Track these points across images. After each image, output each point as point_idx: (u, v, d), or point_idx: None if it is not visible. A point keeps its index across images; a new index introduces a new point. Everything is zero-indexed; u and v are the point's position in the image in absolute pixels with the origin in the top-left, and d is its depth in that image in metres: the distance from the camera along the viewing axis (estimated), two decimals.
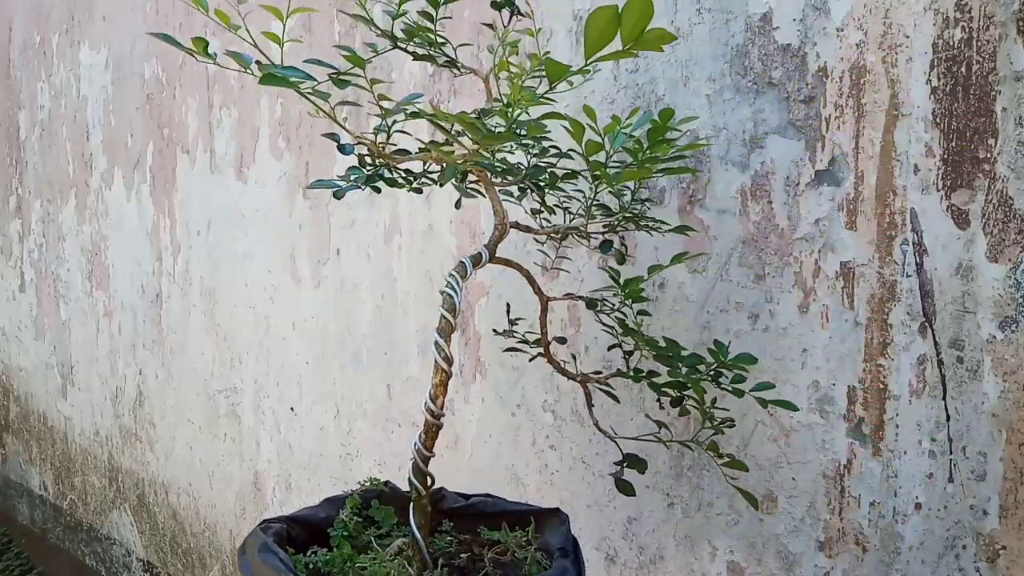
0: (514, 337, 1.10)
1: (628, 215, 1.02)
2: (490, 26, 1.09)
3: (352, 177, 0.94)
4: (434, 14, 0.96)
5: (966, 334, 0.91)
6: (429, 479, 0.81)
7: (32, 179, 3.01)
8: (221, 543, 2.16)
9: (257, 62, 0.75)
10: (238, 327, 2.04)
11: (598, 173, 0.91)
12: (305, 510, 0.86)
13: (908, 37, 0.93)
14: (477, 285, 1.46)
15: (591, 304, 1.06)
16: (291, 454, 1.90)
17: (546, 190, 1.03)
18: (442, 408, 0.80)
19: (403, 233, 1.58)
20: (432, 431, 0.80)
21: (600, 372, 1.04)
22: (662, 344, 1.01)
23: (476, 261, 0.94)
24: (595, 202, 0.99)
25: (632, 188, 1.05)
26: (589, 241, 1.07)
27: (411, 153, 0.91)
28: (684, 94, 1.13)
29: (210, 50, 0.78)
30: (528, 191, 1.06)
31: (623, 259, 1.13)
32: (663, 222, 1.03)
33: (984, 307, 0.90)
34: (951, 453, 0.93)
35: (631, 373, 1.05)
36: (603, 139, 0.85)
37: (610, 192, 1.01)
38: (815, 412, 1.03)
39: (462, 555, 0.88)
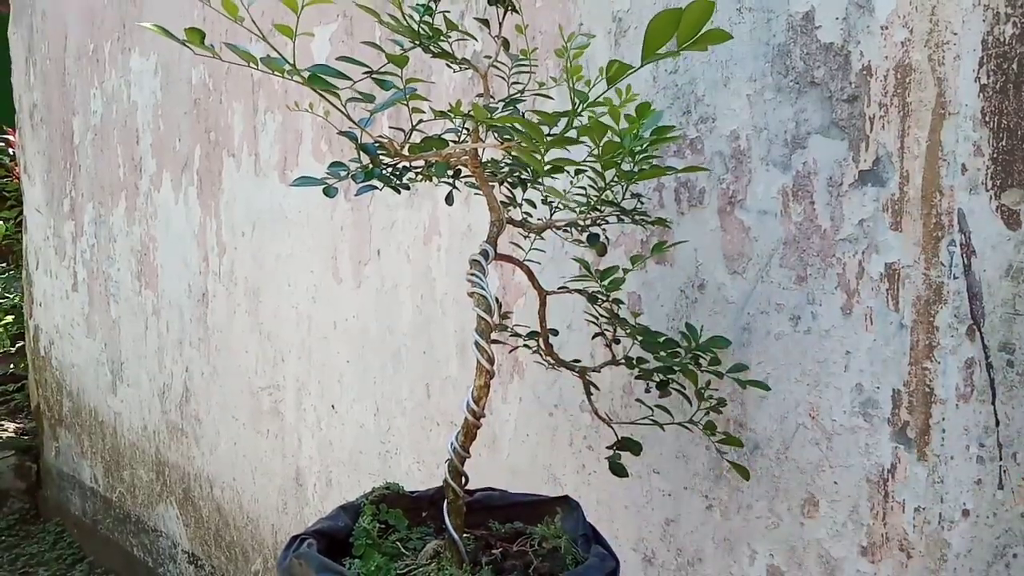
0: (506, 331, 1.11)
1: (622, 210, 1.02)
2: (484, 22, 1.10)
3: (341, 174, 0.93)
4: (434, 7, 0.96)
5: (1017, 337, 0.89)
6: (464, 479, 0.82)
7: (85, 182, 3.11)
8: (263, 537, 2.21)
9: (292, 66, 0.77)
10: (281, 326, 2.08)
11: (615, 172, 0.92)
12: (324, 521, 0.87)
13: (956, 34, 0.91)
14: (515, 286, 1.46)
15: (593, 298, 1.07)
16: (332, 451, 1.94)
17: (531, 185, 1.05)
18: (484, 409, 0.81)
19: (442, 234, 1.60)
20: (471, 432, 0.80)
21: (578, 361, 1.04)
22: (653, 332, 1.02)
23: (486, 257, 0.95)
24: (600, 198, 1.00)
25: (624, 185, 1.04)
26: (581, 234, 1.08)
27: (427, 151, 0.92)
28: (724, 95, 1.13)
29: (251, 53, 0.80)
30: (519, 186, 1.07)
31: (605, 251, 1.14)
32: (647, 216, 1.05)
33: None
34: (1001, 459, 0.91)
35: (623, 362, 1.06)
36: (622, 141, 0.86)
37: (593, 188, 1.01)
38: (859, 415, 1.02)
39: (493, 551, 0.88)
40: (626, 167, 0.92)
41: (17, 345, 4.21)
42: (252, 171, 2.14)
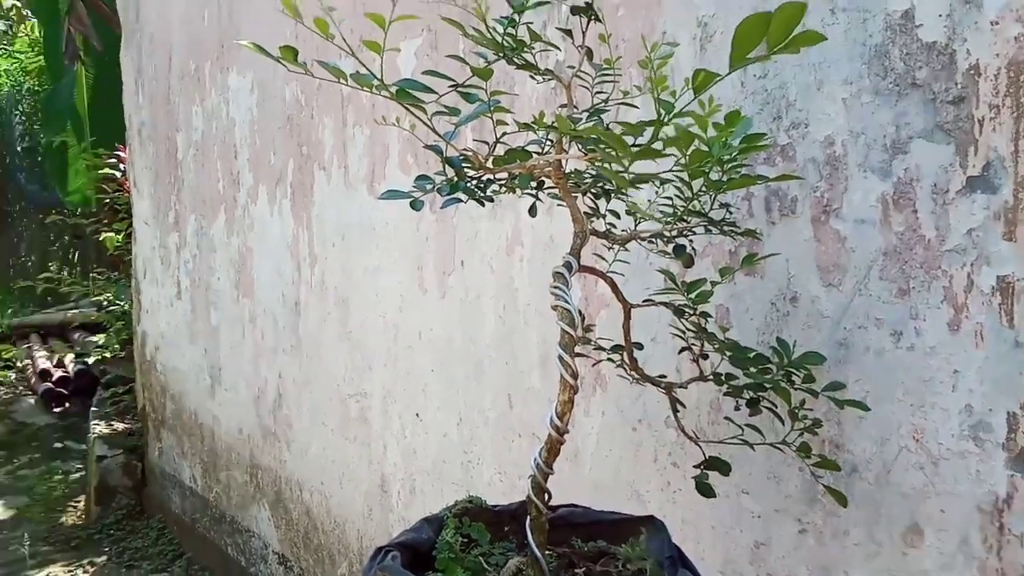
0: (589, 344, 1.09)
1: (710, 220, 0.98)
2: (567, 32, 1.09)
3: (427, 187, 0.94)
4: (517, 19, 0.95)
5: None
6: (547, 496, 0.81)
7: (188, 195, 3.28)
8: (349, 541, 2.26)
9: (379, 81, 0.78)
10: (369, 335, 2.12)
11: (703, 182, 0.89)
12: (408, 533, 0.87)
13: None
14: (598, 297, 1.45)
15: (679, 312, 1.03)
16: (415, 459, 1.96)
17: (615, 196, 1.02)
18: (568, 425, 0.79)
19: (525, 245, 1.60)
20: (555, 448, 0.79)
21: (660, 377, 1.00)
22: (743, 347, 0.98)
23: (569, 269, 0.94)
24: (687, 208, 0.97)
25: (712, 195, 1.01)
26: (667, 245, 1.05)
27: (510, 163, 0.92)
28: (818, 99, 1.08)
29: (341, 69, 0.82)
30: (603, 197, 1.05)
31: (691, 263, 1.10)
32: (736, 226, 1.00)
33: None
34: None
35: (711, 378, 1.03)
36: (711, 150, 0.83)
37: (680, 198, 0.98)
38: (968, 439, 0.95)
39: (575, 570, 0.87)
40: (714, 176, 0.89)
41: (126, 350, 4.48)
42: (342, 184, 2.21)
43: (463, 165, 0.96)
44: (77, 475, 4.52)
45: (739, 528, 1.22)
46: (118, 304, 4.45)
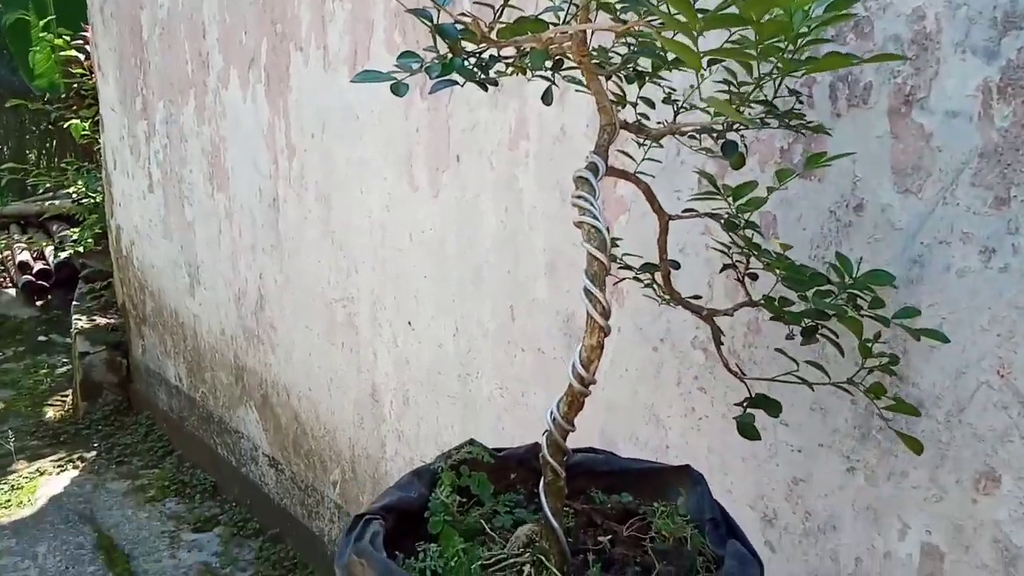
0: (615, 262, 0.92)
1: (774, 112, 0.79)
2: None
3: (413, 66, 0.73)
4: None
5: None
6: (566, 456, 0.66)
7: (155, 79, 2.99)
8: (340, 449, 2.16)
9: None
10: (354, 235, 1.94)
11: (777, 61, 0.69)
12: (394, 492, 0.73)
13: None
14: (616, 200, 1.26)
15: (732, 225, 0.86)
16: (408, 369, 1.83)
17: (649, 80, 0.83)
18: (595, 375, 0.64)
19: (531, 138, 1.40)
20: (577, 401, 0.64)
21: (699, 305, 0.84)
22: (800, 265, 0.81)
23: (595, 173, 0.75)
24: (748, 96, 0.77)
25: (777, 80, 0.81)
26: (717, 142, 0.86)
27: (521, 35, 0.72)
28: None
29: None
30: (635, 81, 0.85)
31: (743, 162, 0.90)
32: (804, 119, 0.81)
33: None
34: None
35: (763, 303, 0.86)
36: (791, 19, 0.63)
37: (732, 84, 0.79)
38: None
39: (598, 535, 0.74)
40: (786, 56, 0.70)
41: (102, 243, 4.28)
42: (321, 66, 1.96)
43: (459, 37, 0.76)
44: (63, 369, 4.42)
45: (775, 462, 1.09)
46: (91, 197, 4.20)
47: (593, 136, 1.28)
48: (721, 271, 0.92)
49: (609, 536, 0.71)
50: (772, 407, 0.85)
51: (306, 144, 2.08)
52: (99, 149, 3.85)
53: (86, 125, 3.86)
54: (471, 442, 0.84)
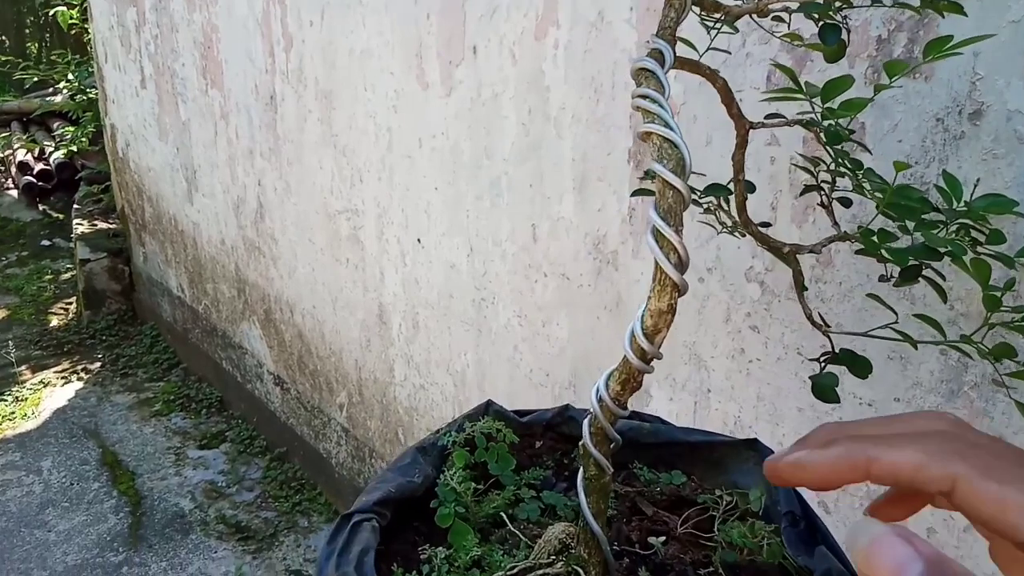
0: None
1: None
2: None
3: None
4: None
5: None
6: (614, 445, 0.51)
7: None
8: (347, 371, 2.04)
9: None
10: (357, 139, 1.75)
11: None
12: (392, 477, 0.58)
13: None
14: None
15: (834, 136, 0.66)
16: (418, 290, 1.67)
17: None
18: (660, 347, 0.47)
19: (561, 25, 1.18)
20: (634, 379, 0.48)
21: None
22: (907, 186, 0.63)
23: (662, 63, 0.56)
24: None
25: None
26: (818, 23, 0.65)
27: None
28: None
29: None
30: None
31: (842, 53, 0.69)
32: None
33: None
34: None
35: (858, 237, 0.68)
36: None
37: None
38: None
39: (646, 530, 0.59)
40: None
41: (100, 143, 4.08)
42: None
43: None
44: (67, 275, 4.32)
45: (838, 415, 0.94)
46: (84, 92, 3.97)
47: (638, 23, 1.06)
48: (802, 194, 0.74)
49: (661, 537, 0.57)
50: (860, 365, 0.68)
51: (304, 34, 1.85)
52: (89, 40, 3.59)
53: (74, 13, 3.58)
54: (488, 406, 0.69)
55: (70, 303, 3.94)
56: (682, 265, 0.45)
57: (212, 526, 2.21)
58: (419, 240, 1.62)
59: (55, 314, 3.83)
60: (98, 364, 3.29)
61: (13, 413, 2.85)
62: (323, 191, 1.93)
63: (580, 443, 0.52)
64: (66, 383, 3.11)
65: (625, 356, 0.47)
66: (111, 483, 2.42)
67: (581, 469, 0.53)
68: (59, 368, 3.26)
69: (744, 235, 0.74)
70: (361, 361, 1.96)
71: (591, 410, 0.51)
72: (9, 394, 2.99)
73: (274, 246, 2.26)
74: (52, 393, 3.03)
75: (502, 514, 0.59)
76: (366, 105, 1.68)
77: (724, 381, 1.06)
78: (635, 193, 0.76)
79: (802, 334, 0.96)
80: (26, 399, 2.96)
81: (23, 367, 3.24)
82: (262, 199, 2.26)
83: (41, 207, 5.41)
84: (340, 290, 1.97)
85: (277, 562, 2.07)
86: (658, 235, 0.45)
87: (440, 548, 0.54)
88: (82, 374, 3.21)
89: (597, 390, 0.51)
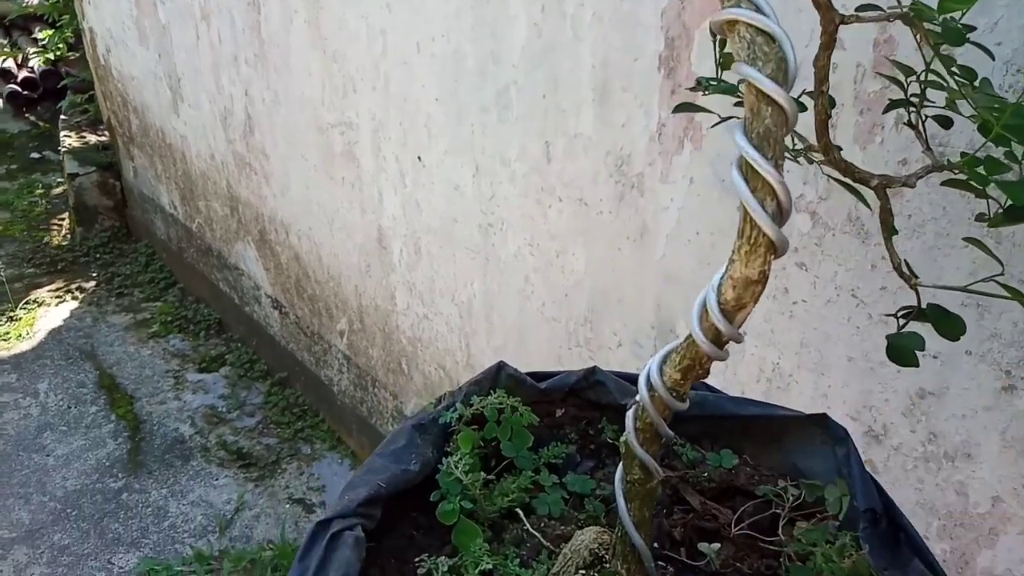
0: (703, 86, 0.59)
1: None
2: None
3: None
4: None
5: None
6: (664, 442, 0.39)
7: None
8: (346, 296, 1.93)
9: None
10: (348, 43, 1.58)
11: None
12: (384, 465, 0.47)
13: None
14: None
15: (954, 33, 0.52)
16: (419, 213, 1.54)
17: None
18: (740, 327, 0.35)
19: None
20: (700, 364, 0.36)
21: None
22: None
23: None
24: None
25: None
26: None
27: None
28: None
29: None
30: None
31: None
32: None
33: None
34: None
35: (958, 170, 0.54)
36: None
37: None
38: None
39: (692, 525, 0.49)
40: None
41: (81, 49, 3.85)
42: None
43: None
44: (59, 190, 4.17)
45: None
46: None
47: None
48: (887, 110, 0.60)
49: (715, 544, 0.46)
50: (951, 324, 0.57)
51: None
52: None
53: None
54: (500, 370, 0.58)
55: (63, 219, 3.81)
56: (781, 215, 0.32)
57: (213, 452, 2.16)
58: (419, 158, 1.48)
59: (47, 231, 3.71)
60: (93, 283, 3.19)
61: (7, 333, 2.78)
62: (313, 102, 1.77)
63: (622, 439, 0.40)
64: (60, 302, 3.02)
65: (691, 335, 0.36)
66: (109, 407, 2.36)
67: (621, 468, 0.42)
68: (53, 287, 3.17)
69: (812, 161, 0.60)
70: (361, 287, 1.85)
71: (639, 400, 0.40)
72: (2, 314, 2.91)
73: (265, 162, 2.12)
74: (47, 313, 2.95)
75: (518, 510, 0.48)
76: (357, 5, 1.50)
77: (764, 324, 0.95)
78: (678, 109, 0.63)
79: (858, 274, 0.84)
80: (20, 319, 2.88)
81: (16, 285, 3.15)
82: (250, 110, 2.09)
83: (29, 117, 5.20)
84: (336, 211, 1.84)
85: (280, 490, 2.03)
86: (749, 171, 0.32)
87: (443, 557, 0.44)
88: (77, 293, 3.12)
89: (647, 373, 0.39)
